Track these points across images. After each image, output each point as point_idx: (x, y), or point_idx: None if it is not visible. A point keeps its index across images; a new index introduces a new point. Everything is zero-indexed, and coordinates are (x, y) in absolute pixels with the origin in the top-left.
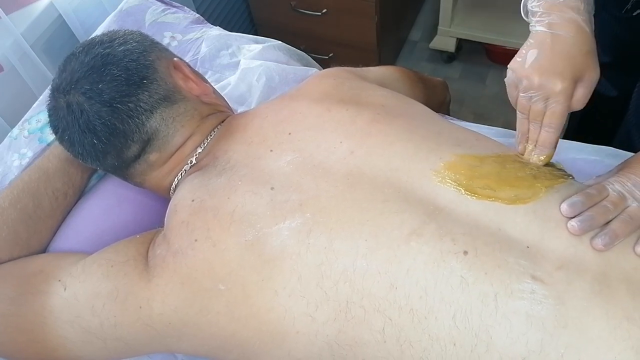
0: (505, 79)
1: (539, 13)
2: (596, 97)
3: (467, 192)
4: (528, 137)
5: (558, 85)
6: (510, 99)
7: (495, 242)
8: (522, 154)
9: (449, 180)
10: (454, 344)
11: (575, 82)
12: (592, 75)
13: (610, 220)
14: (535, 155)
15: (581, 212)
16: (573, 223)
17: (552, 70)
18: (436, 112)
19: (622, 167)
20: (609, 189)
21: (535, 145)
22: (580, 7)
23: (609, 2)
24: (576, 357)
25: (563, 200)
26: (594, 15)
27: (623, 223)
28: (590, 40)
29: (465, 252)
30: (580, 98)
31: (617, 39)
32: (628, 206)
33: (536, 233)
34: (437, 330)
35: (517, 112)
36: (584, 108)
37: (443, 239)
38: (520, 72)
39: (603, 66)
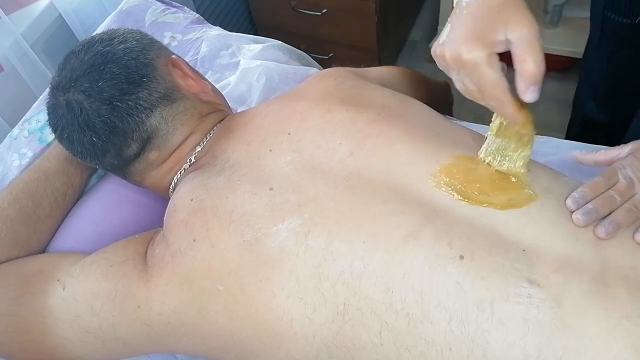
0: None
1: None
2: (589, 121)
3: (460, 198)
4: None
5: (466, 54)
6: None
7: (492, 246)
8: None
9: (444, 185)
10: (450, 349)
11: (491, 44)
12: (519, 30)
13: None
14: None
15: (586, 204)
16: (578, 216)
17: (459, 40)
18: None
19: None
20: (620, 175)
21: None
22: None
23: (607, 39)
24: (575, 358)
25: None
26: (589, 52)
27: (627, 212)
28: None
29: (462, 257)
30: (521, 57)
31: (613, 74)
32: (635, 194)
33: (531, 236)
34: (433, 335)
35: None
36: (576, 131)
37: (440, 242)
38: (435, 55)
39: (598, 96)
